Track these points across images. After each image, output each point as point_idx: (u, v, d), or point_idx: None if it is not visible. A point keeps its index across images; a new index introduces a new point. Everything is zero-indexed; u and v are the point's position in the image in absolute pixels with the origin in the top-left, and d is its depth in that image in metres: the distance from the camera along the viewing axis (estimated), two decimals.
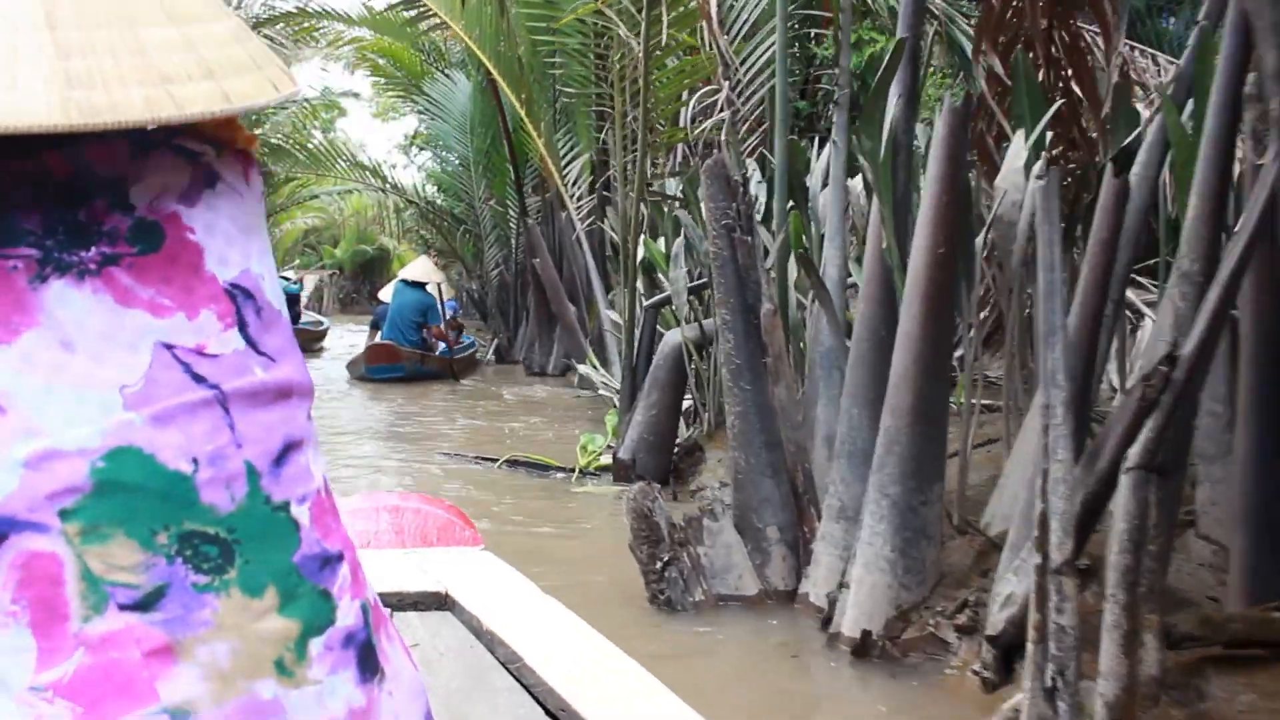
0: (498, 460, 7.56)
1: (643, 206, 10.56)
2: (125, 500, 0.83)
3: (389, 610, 1.05)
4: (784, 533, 4.37)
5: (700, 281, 6.78)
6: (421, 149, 26.17)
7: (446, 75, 17.10)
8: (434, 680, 1.39)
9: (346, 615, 0.92)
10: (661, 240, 8.60)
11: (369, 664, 0.93)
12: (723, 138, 7.04)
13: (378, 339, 12.73)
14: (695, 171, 9.01)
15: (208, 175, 0.91)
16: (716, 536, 4.36)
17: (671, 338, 6.67)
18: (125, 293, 0.85)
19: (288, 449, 0.91)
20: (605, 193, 11.55)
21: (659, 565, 4.21)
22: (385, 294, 14.01)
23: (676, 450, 6.84)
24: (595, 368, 9.71)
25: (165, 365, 0.85)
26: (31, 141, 0.81)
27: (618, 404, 8.71)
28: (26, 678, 0.80)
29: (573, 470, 7.23)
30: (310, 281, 27.09)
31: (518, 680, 1.64)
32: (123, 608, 0.82)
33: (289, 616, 0.88)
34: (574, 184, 11.43)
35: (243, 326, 0.90)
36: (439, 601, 1.93)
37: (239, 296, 0.90)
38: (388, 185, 20.89)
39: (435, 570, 2.03)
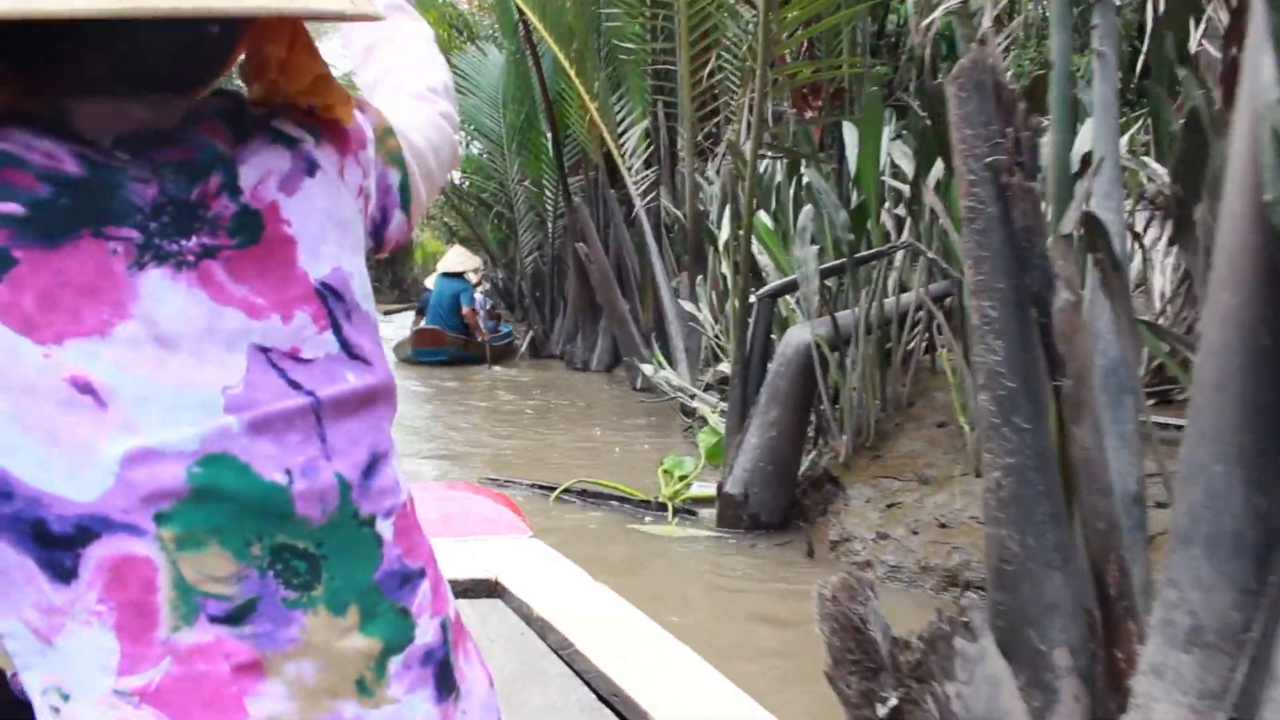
0: (555, 490, 5.84)
1: (707, 177, 8.90)
2: (221, 509, 0.79)
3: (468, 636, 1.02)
4: (1078, 657, 2.67)
5: (835, 263, 5.08)
6: None
7: (477, 47, 15.44)
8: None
9: (425, 633, 0.90)
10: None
11: (446, 683, 0.91)
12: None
13: (423, 324, 12.90)
14: (818, 122, 7.47)
15: (308, 163, 0.89)
16: (973, 665, 2.65)
17: (796, 337, 4.97)
18: (220, 290, 0.82)
19: (375, 459, 0.89)
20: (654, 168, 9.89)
21: (883, 713, 2.51)
22: (431, 281, 14.01)
23: (800, 483, 5.15)
24: (661, 366, 8.00)
25: (263, 369, 0.82)
26: (168, 119, 0.82)
27: (701, 413, 7.02)
28: (109, 680, 0.77)
29: (655, 505, 5.53)
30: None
31: (569, 666, 1.60)
32: (213, 620, 0.79)
33: (370, 635, 0.85)
34: (630, 155, 9.71)
35: (336, 329, 0.87)
36: (489, 589, 1.89)
37: (329, 297, 0.87)
38: None
39: (485, 558, 1.99)
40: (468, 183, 21.46)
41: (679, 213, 9.28)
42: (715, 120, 9.32)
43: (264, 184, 0.85)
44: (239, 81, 0.95)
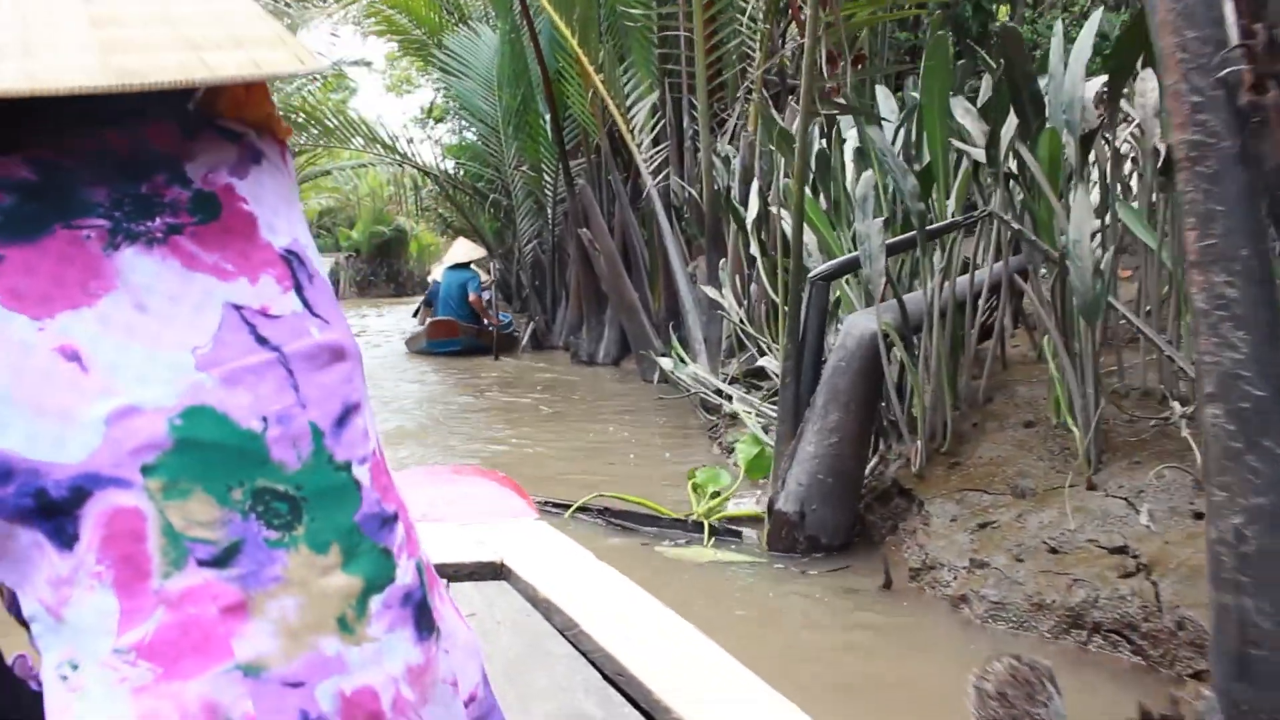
0: (569, 507, 4.97)
1: (723, 151, 8.07)
2: (203, 457, 0.83)
3: (445, 582, 1.06)
4: None
5: (903, 237, 4.26)
6: (439, 121, 23.76)
7: (469, 27, 14.57)
8: (492, 649, 1.26)
9: (405, 574, 0.92)
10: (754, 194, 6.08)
11: (425, 622, 0.93)
12: None
13: (435, 316, 13.00)
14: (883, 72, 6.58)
15: (253, 152, 0.95)
16: None
17: (858, 326, 4.14)
18: (191, 258, 0.87)
19: (347, 411, 0.92)
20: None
21: None
22: (437, 273, 14.15)
23: (863, 497, 4.33)
24: (682, 359, 7.18)
25: (233, 327, 0.87)
26: (93, 121, 0.88)
27: (729, 411, 6.21)
28: (110, 641, 0.80)
29: (689, 525, 4.70)
30: (326, 264, 25.02)
31: (575, 646, 1.59)
32: (201, 564, 0.82)
33: (352, 574, 0.87)
34: (639, 131, 8.84)
35: (299, 289, 0.92)
36: (495, 571, 1.88)
37: (293, 261, 0.93)
38: (404, 159, 18.41)
39: (491, 541, 1.97)
40: (462, 171, 20.63)
41: (693, 191, 8.45)
42: (727, 91, 8.49)
43: (214, 172, 0.92)
44: None
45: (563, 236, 14.25)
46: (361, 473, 0.92)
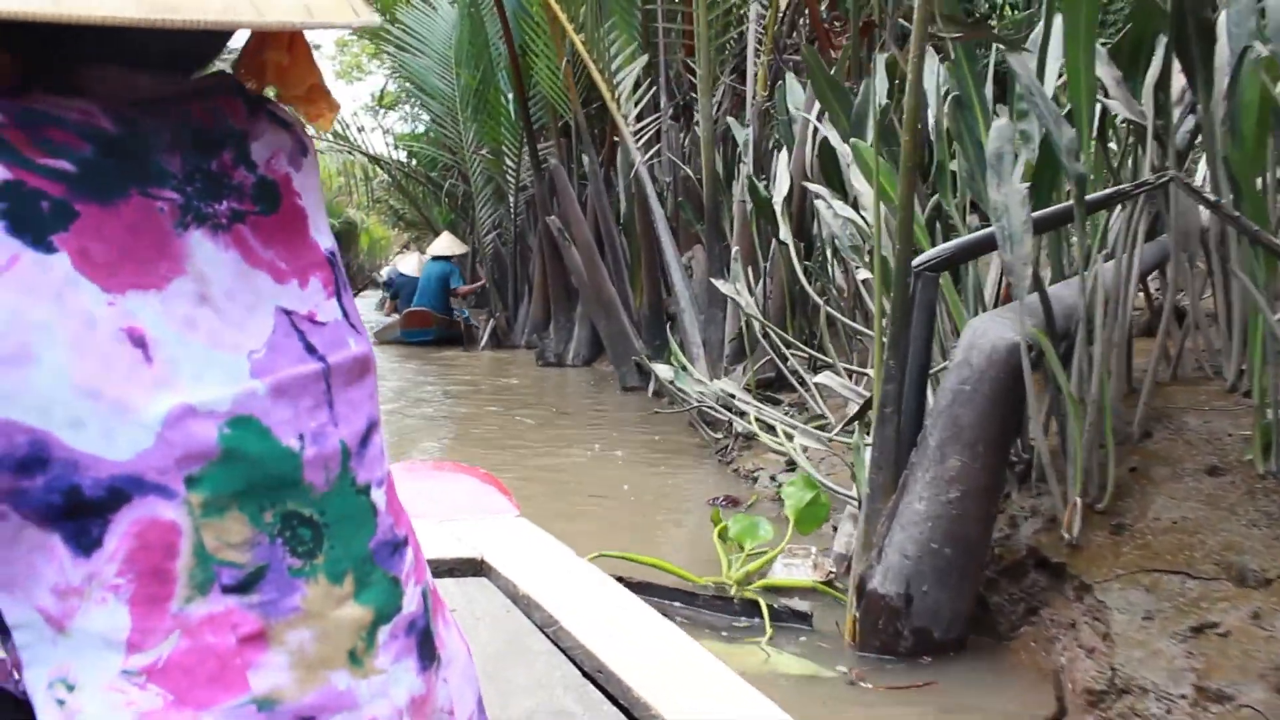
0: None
1: (727, 125, 6.75)
2: (244, 473, 0.76)
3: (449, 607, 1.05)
4: None
5: (1055, 209, 2.97)
6: (391, 109, 22.26)
7: (426, 0, 13.13)
8: (471, 645, 1.08)
9: (411, 601, 0.87)
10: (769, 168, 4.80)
11: (427, 651, 0.88)
12: None
13: (411, 306, 12.80)
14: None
15: (301, 145, 0.88)
16: None
17: (987, 335, 2.84)
18: (251, 252, 0.80)
19: (370, 428, 0.86)
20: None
21: None
22: (406, 266, 14.15)
23: (991, 572, 3.04)
24: (683, 366, 5.86)
25: (285, 333, 0.81)
26: (179, 89, 0.81)
27: (743, 429, 4.91)
28: (118, 660, 0.73)
29: (735, 604, 3.37)
30: None
31: (554, 643, 1.57)
32: (225, 590, 0.75)
33: (364, 604, 0.82)
34: (625, 101, 7.45)
35: (339, 296, 0.86)
36: (475, 568, 1.85)
37: (336, 265, 0.87)
38: (355, 147, 16.98)
39: (471, 538, 1.93)
40: (415, 160, 19.22)
41: (688, 169, 7.14)
42: (727, 54, 7.19)
43: (275, 159, 0.85)
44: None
45: (525, 226, 12.89)
46: (379, 496, 0.86)
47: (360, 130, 18.17)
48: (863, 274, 4.03)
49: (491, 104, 12.03)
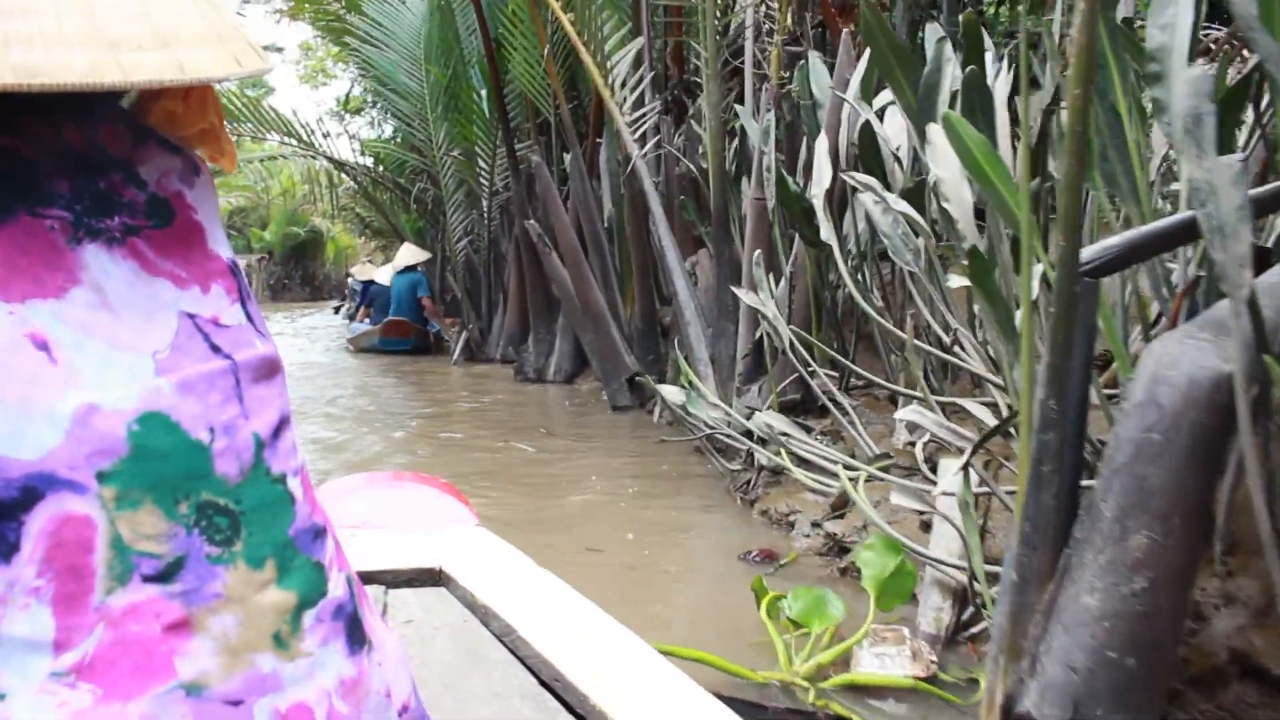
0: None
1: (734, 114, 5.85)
2: (155, 467, 0.77)
3: (383, 588, 1.09)
4: None
5: (1273, 187, 2.17)
6: (356, 113, 21.31)
7: None
8: (428, 655, 1.23)
9: (336, 587, 0.88)
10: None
11: (357, 635, 0.89)
12: None
13: (388, 316, 12.80)
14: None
15: (193, 165, 0.89)
16: None
17: (1181, 364, 2.02)
18: (148, 262, 0.82)
19: (283, 422, 0.88)
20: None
21: None
22: (380, 275, 14.05)
23: (1176, 682, 2.22)
24: (694, 387, 5.00)
25: (189, 334, 0.82)
26: (55, 112, 0.80)
27: (772, 464, 4.06)
28: (46, 663, 0.74)
29: (796, 710, 2.52)
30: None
31: (512, 652, 1.54)
32: (145, 579, 0.76)
33: (286, 588, 0.83)
34: (619, 88, 6.57)
35: (243, 301, 0.88)
36: (433, 578, 1.81)
37: (237, 274, 0.88)
38: (319, 153, 16.08)
39: (430, 547, 1.88)
40: (382, 165, 18.32)
41: (690, 164, 6.30)
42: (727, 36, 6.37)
43: (165, 178, 0.85)
44: None
45: (499, 232, 12.01)
46: (295, 485, 0.86)
47: (326, 136, 17.32)
48: (956, 281, 3.20)
49: (464, 102, 11.15)
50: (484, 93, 11.01)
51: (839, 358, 4.29)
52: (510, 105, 9.89)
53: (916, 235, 3.95)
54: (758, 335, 5.59)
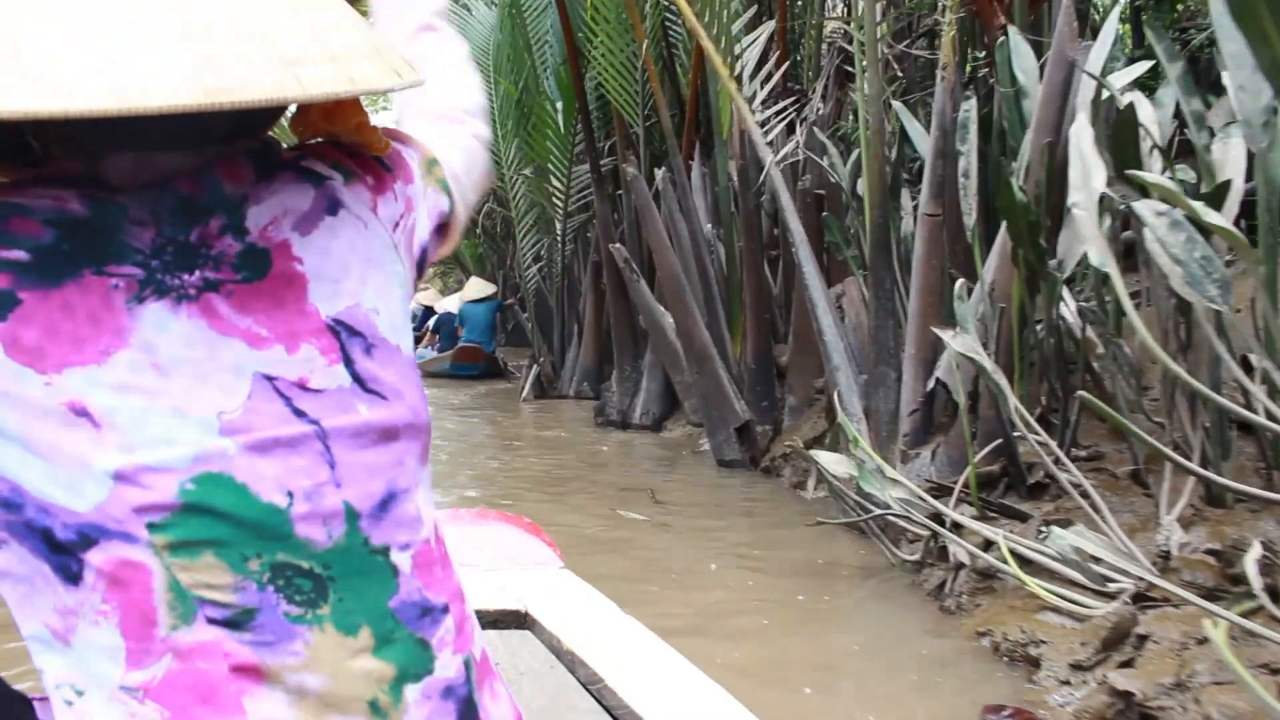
0: None
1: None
2: (215, 523, 0.76)
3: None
4: None
5: None
6: None
7: (460, 3, 11.22)
8: (514, 700, 1.08)
9: (446, 667, 0.85)
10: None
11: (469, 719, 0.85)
12: None
13: (462, 342, 13.02)
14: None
15: (330, 202, 0.85)
16: None
17: None
18: (222, 321, 0.79)
19: (393, 494, 0.84)
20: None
21: None
22: (447, 304, 14.39)
23: None
24: (867, 461, 3.75)
25: (266, 397, 0.79)
26: (168, 161, 0.80)
27: (1016, 578, 2.80)
28: (118, 675, 0.76)
29: None
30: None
31: (598, 701, 1.48)
32: (211, 621, 0.76)
33: (384, 659, 0.81)
34: (748, 81, 5.36)
35: (349, 362, 0.83)
36: (519, 620, 1.76)
37: (343, 333, 0.83)
38: None
39: (515, 589, 1.84)
40: None
41: (834, 175, 5.08)
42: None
43: (276, 224, 0.82)
44: None
45: (572, 258, 10.89)
46: (401, 559, 0.83)
47: None
48: None
49: (537, 116, 10.06)
50: (559, 105, 9.92)
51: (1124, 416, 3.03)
52: (593, 116, 8.76)
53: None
54: (930, 386, 4.36)
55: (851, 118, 4.92)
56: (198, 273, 0.78)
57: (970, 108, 3.83)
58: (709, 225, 7.03)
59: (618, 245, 7.56)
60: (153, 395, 0.75)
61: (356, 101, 0.87)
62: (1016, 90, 3.93)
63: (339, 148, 0.89)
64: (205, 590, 0.75)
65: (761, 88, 5.00)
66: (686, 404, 7.53)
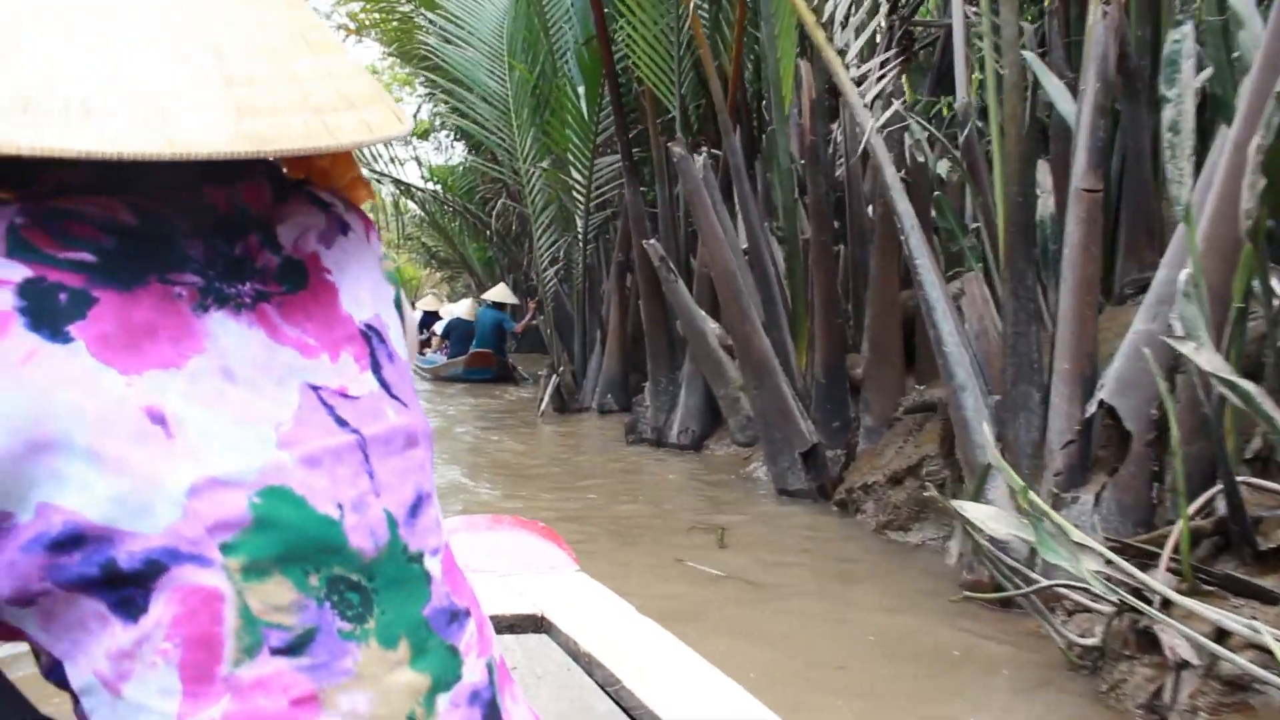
0: None
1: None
2: (281, 539, 0.72)
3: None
4: None
5: None
6: (423, 137, 19.44)
7: None
8: (532, 704, 1.02)
9: (473, 672, 0.83)
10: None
11: None
12: None
13: (474, 348, 13.05)
14: None
15: (341, 224, 0.86)
16: None
17: None
18: (276, 330, 0.78)
19: (420, 499, 0.83)
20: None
21: None
22: (460, 310, 14.30)
23: None
24: (1043, 520, 2.72)
25: (313, 408, 0.77)
26: (195, 175, 0.78)
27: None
28: None
29: None
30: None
31: (616, 703, 1.44)
32: (274, 652, 0.72)
33: (419, 670, 0.78)
34: (836, 28, 4.32)
35: (376, 368, 0.83)
36: (535, 624, 1.72)
37: (373, 338, 0.84)
38: (381, 173, 14.41)
39: (531, 593, 1.80)
40: (449, 192, 16.54)
41: (952, 150, 4.05)
42: None
43: (303, 238, 0.82)
44: None
45: (594, 258, 9.88)
46: (433, 565, 0.82)
47: (392, 160, 15.50)
48: None
49: (555, 102, 9.05)
50: (581, 90, 8.92)
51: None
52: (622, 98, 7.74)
53: None
54: (1089, 412, 3.32)
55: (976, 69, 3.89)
56: (249, 284, 0.77)
57: (1184, 34, 2.79)
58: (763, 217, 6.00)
59: (653, 241, 6.55)
60: (221, 403, 0.72)
61: (351, 159, 0.88)
62: (1226, 19, 2.91)
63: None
64: (272, 614, 0.71)
65: (856, 37, 3.97)
66: (731, 421, 6.51)
